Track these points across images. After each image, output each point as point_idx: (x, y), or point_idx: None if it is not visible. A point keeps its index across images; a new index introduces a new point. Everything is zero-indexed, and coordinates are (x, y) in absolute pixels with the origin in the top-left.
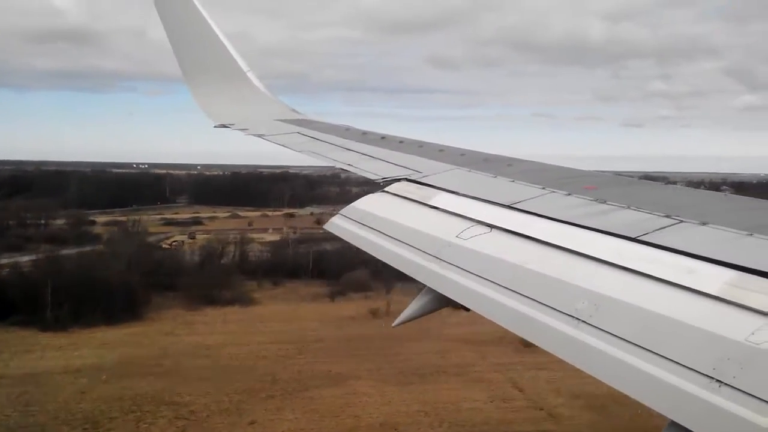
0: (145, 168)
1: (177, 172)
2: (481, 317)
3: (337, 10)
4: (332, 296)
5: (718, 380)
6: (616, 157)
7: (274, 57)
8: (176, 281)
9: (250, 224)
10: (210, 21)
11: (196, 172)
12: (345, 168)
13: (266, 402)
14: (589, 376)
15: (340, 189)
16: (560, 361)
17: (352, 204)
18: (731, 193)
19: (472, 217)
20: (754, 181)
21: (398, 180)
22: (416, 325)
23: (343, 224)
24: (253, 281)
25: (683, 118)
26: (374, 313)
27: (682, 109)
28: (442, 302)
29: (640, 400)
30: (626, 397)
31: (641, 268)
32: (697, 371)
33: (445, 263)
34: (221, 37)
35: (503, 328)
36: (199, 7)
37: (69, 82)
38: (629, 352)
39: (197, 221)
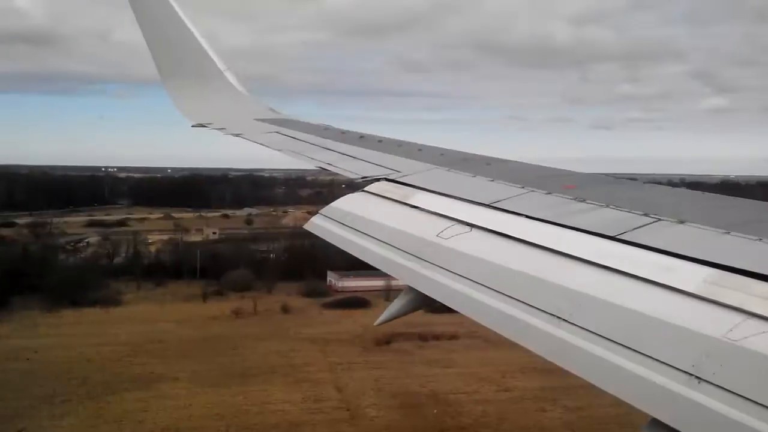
0: (113, 171)
1: (142, 175)
2: (356, 317)
3: (302, 13)
4: (205, 296)
5: (697, 377)
6: (586, 159)
7: (241, 59)
8: (44, 282)
9: (176, 225)
10: (187, 21)
11: (160, 176)
12: (325, 167)
13: (56, 407)
14: (419, 376)
15: (288, 190)
16: (402, 361)
17: (332, 204)
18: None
19: (453, 216)
20: (712, 183)
21: (378, 179)
22: (276, 325)
23: (322, 224)
24: (134, 281)
25: (652, 120)
26: (237, 313)
27: (651, 111)
28: (424, 301)
29: (621, 398)
30: (446, 395)
31: (620, 266)
32: (676, 368)
33: (426, 262)
34: (198, 36)
35: (359, 329)
36: (176, 7)
37: (34, 86)
38: (610, 349)
39: (123, 222)
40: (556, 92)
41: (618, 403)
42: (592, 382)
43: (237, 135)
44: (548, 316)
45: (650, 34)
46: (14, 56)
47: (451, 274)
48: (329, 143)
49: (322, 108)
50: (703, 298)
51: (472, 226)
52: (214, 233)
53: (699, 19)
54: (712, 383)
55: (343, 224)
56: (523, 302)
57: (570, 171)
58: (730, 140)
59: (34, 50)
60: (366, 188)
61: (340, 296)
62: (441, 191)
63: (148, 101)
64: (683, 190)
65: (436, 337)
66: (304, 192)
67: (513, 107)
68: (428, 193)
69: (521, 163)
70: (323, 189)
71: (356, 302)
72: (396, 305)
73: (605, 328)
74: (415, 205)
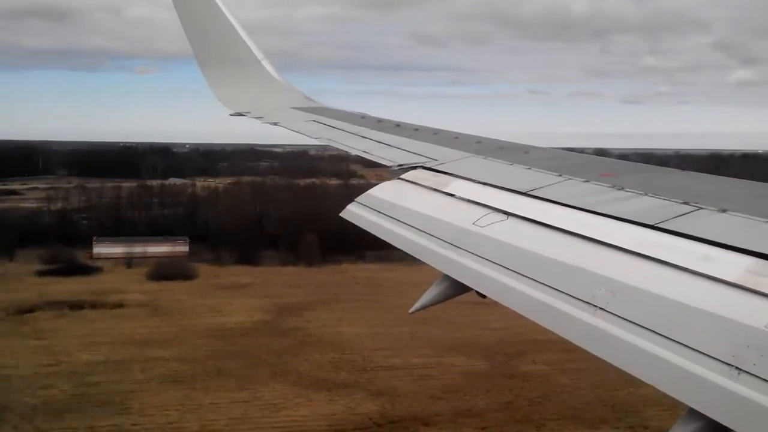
0: (132, 145)
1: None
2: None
3: None
4: None
5: (737, 368)
6: (616, 135)
7: (259, 35)
8: None
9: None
10: (225, 10)
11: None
12: (361, 155)
13: None
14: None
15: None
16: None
17: (368, 191)
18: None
19: (489, 204)
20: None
21: (414, 167)
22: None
23: (358, 211)
24: None
25: (679, 94)
26: None
27: (677, 85)
28: (459, 289)
29: (659, 388)
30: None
31: (659, 255)
32: (716, 359)
33: (462, 250)
34: (236, 25)
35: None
36: None
37: (58, 62)
38: (647, 339)
39: (15, 192)
40: (577, 65)
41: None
42: (630, 371)
43: (275, 123)
44: (584, 304)
45: (670, 4)
46: (30, 32)
47: (487, 261)
48: (365, 131)
49: (347, 83)
50: (744, 288)
51: (508, 214)
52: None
53: None
54: (752, 374)
55: (378, 212)
56: (559, 290)
57: (608, 159)
58: (758, 114)
59: (51, 26)
60: (402, 176)
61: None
62: (477, 179)
63: (170, 76)
64: (725, 178)
65: (94, 306)
66: (260, 164)
67: (535, 81)
68: (464, 180)
69: (559, 150)
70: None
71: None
72: (431, 293)
73: (643, 318)
74: (451, 193)
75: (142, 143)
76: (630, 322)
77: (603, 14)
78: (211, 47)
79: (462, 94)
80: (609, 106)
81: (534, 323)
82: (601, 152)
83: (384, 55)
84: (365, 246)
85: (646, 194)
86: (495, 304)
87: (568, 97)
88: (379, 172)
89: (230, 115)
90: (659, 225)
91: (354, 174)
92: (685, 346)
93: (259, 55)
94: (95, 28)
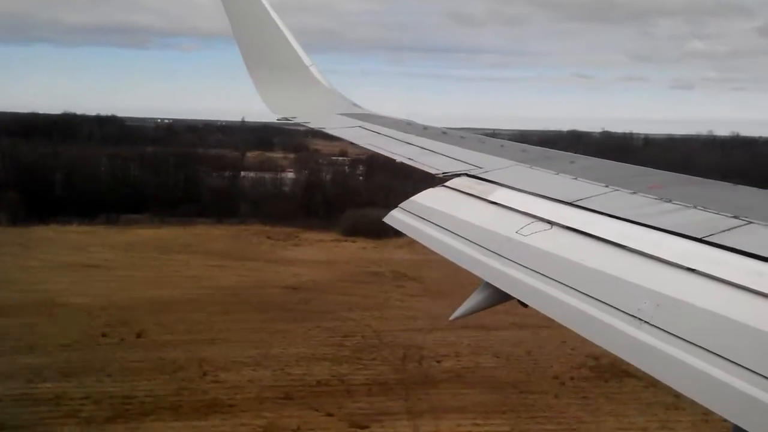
0: (167, 123)
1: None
2: None
3: None
4: None
5: None
6: (668, 121)
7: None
8: None
9: None
10: (275, 17)
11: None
12: (406, 162)
13: None
14: None
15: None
16: None
17: (411, 198)
18: None
19: (533, 213)
20: None
21: (458, 175)
22: None
23: (402, 217)
24: None
25: (729, 81)
26: None
27: (725, 71)
28: (501, 297)
29: (706, 405)
30: None
31: (708, 269)
32: (765, 377)
33: (505, 259)
34: (286, 33)
35: None
36: (266, 3)
37: (101, 38)
38: (694, 354)
39: None
40: (619, 49)
41: None
42: (675, 387)
43: (321, 128)
44: (629, 317)
45: None
46: (69, 7)
47: (530, 271)
48: (411, 138)
49: (394, 65)
50: None
51: (552, 223)
52: None
53: None
54: None
55: (422, 218)
56: (603, 302)
57: (657, 170)
58: None
59: (89, 1)
60: (446, 183)
61: None
62: (522, 188)
63: (216, 53)
64: None
65: None
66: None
67: (578, 64)
68: (509, 189)
69: (606, 161)
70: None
71: None
72: (473, 300)
73: (689, 332)
74: (495, 201)
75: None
76: (676, 336)
77: None
78: (259, 52)
79: (507, 77)
80: (658, 91)
81: None
82: (647, 141)
83: (425, 35)
84: None
85: (695, 207)
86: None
87: (615, 81)
88: (338, 145)
89: (277, 120)
90: (708, 238)
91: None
92: (734, 363)
93: (307, 61)
94: (135, 5)
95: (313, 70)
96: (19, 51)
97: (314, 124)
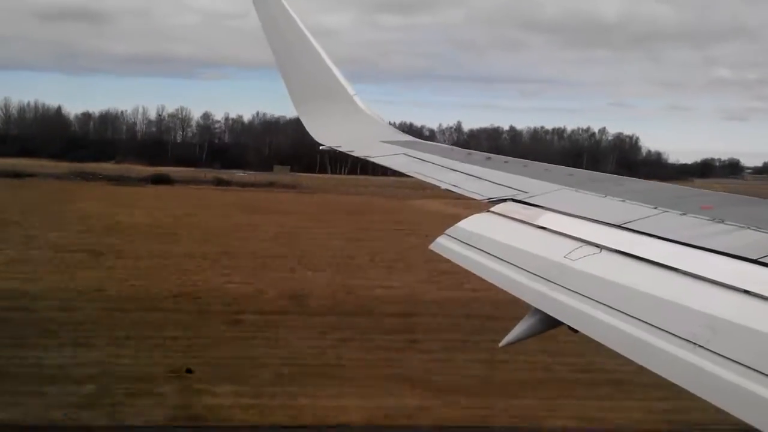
0: None
1: None
2: None
3: None
4: None
5: None
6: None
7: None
8: None
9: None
10: (319, 48)
11: None
12: (450, 189)
13: None
14: None
15: None
16: None
17: (457, 224)
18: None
19: (581, 237)
20: None
21: (504, 200)
22: None
23: (448, 244)
24: None
25: None
26: None
27: (761, 100)
28: (550, 323)
29: (764, 430)
30: None
31: (764, 291)
32: None
33: (554, 284)
34: (329, 63)
35: None
36: (308, 35)
37: (144, 68)
38: (751, 379)
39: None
40: (648, 77)
41: None
42: (734, 413)
43: (365, 157)
44: (682, 341)
45: (710, 11)
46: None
47: (579, 296)
48: (455, 164)
49: (438, 95)
50: None
51: (601, 247)
52: None
53: None
54: None
55: (468, 244)
56: (655, 326)
57: (707, 191)
58: None
59: (130, 31)
60: (492, 209)
61: None
62: (569, 212)
63: (262, 84)
64: None
65: None
66: None
67: (613, 94)
68: (556, 213)
69: (654, 183)
70: None
71: None
72: (522, 326)
73: (746, 356)
74: (542, 225)
75: None
76: (732, 360)
77: (640, 21)
78: (304, 84)
79: (539, 107)
80: (714, 122)
81: None
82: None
83: (462, 63)
84: None
85: (748, 227)
86: None
87: (656, 110)
88: None
89: (321, 149)
90: (763, 259)
91: None
92: None
93: (351, 91)
94: (175, 35)
95: (357, 99)
96: (79, 81)
97: (359, 153)
